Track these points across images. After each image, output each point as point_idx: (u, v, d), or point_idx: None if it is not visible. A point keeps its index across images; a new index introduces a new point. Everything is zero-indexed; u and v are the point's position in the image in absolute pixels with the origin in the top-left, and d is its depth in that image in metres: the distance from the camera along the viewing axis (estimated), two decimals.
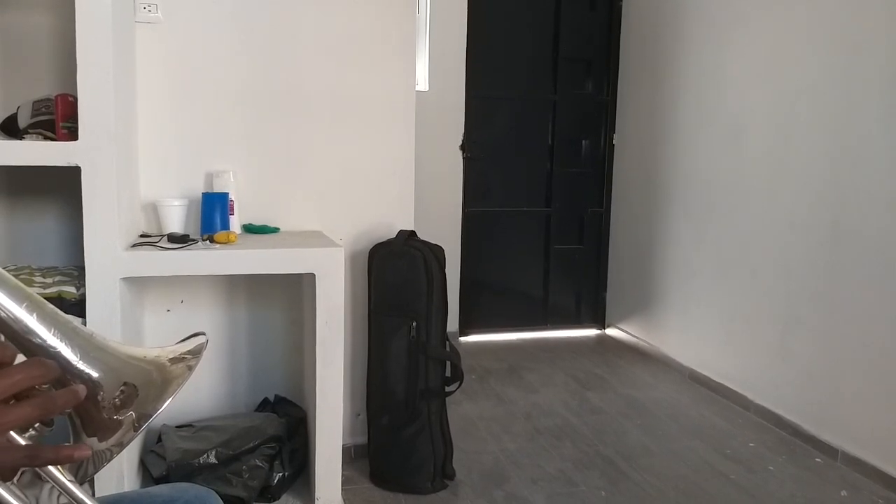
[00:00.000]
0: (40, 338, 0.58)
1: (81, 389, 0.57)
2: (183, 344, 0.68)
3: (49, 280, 1.77)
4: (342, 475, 1.99)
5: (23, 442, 0.56)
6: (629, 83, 3.99)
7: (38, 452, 0.54)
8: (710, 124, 3.27)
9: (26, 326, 0.58)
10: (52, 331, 0.59)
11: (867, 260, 2.41)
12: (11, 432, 0.55)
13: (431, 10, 3.79)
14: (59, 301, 1.72)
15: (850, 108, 2.49)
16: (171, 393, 0.62)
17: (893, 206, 2.31)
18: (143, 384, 0.62)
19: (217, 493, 1.02)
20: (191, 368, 0.65)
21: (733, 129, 3.10)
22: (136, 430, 0.60)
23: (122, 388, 0.61)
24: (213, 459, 1.91)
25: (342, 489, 2.00)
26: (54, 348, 0.58)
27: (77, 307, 1.73)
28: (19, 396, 0.54)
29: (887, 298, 2.33)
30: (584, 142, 4.16)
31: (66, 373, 0.58)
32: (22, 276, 1.76)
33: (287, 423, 2.09)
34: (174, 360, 0.65)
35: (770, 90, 2.88)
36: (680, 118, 3.49)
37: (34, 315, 0.58)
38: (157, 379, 0.63)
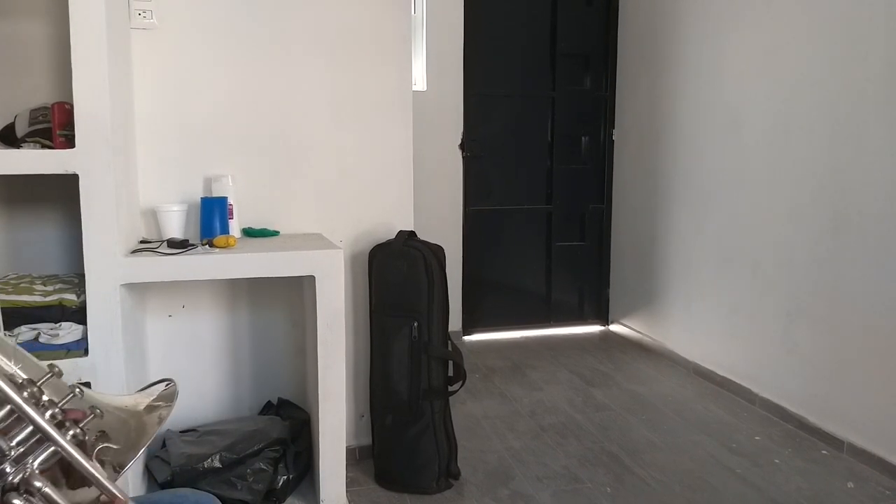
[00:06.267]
0: None
1: None
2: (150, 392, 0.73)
3: (50, 288, 1.77)
4: (347, 476, 2.00)
5: None
6: (628, 78, 3.98)
7: None
8: (709, 117, 3.26)
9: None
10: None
11: (869, 249, 2.40)
12: None
13: (427, 9, 3.79)
14: (60, 308, 1.73)
15: (848, 97, 2.48)
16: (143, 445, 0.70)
17: (894, 194, 2.31)
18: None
19: (222, 497, 1.03)
20: (162, 420, 0.72)
21: (732, 122, 3.10)
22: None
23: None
24: (217, 463, 1.92)
25: (347, 491, 2.01)
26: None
27: (78, 314, 1.73)
28: None
29: (890, 287, 2.32)
30: (583, 138, 4.15)
31: None
32: (23, 285, 1.77)
33: (291, 425, 2.10)
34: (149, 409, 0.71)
35: (768, 82, 2.87)
36: (679, 112, 3.48)
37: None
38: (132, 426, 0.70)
